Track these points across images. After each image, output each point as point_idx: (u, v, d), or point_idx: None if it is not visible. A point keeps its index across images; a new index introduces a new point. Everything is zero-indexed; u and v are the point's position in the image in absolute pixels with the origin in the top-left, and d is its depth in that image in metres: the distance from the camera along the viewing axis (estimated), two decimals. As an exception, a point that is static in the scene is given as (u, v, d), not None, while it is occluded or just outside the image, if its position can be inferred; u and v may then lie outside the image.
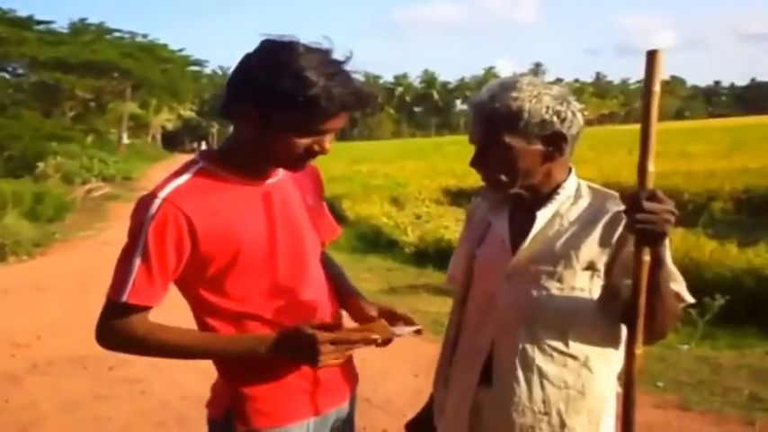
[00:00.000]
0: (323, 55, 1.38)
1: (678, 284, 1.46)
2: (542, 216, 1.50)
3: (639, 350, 1.36)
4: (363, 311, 1.64)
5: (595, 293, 1.47)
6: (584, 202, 1.52)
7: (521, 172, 1.47)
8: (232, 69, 1.44)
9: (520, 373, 1.49)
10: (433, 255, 9.32)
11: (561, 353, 1.48)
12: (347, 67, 1.40)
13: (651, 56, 1.31)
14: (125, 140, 40.53)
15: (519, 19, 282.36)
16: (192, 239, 1.39)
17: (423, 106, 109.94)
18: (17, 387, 4.58)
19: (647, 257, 1.31)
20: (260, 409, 1.50)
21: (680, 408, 3.76)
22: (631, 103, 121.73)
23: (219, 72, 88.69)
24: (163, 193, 1.39)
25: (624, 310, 1.39)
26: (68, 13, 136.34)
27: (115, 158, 30.49)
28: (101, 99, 41.23)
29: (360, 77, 1.42)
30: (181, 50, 46.60)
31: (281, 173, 1.53)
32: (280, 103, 1.35)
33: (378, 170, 23.51)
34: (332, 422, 1.61)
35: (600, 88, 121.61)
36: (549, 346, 1.48)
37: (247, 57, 1.41)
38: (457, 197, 15.37)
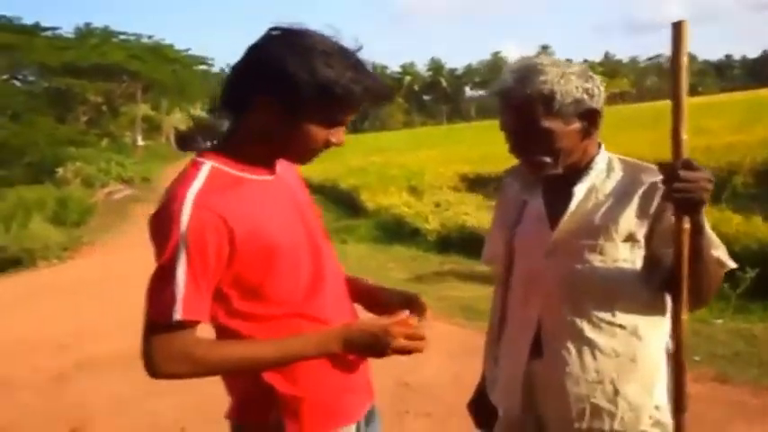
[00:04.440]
0: (340, 44, 1.34)
1: (718, 250, 1.50)
2: (579, 191, 1.54)
3: (685, 316, 1.42)
4: (392, 302, 1.57)
5: (638, 263, 1.52)
6: (618, 174, 1.57)
7: (563, 151, 1.51)
8: (249, 51, 1.36)
9: (570, 345, 1.54)
10: (456, 241, 9.39)
11: (609, 323, 1.53)
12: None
13: (677, 27, 1.36)
14: (140, 142, 40.81)
15: (526, 2, 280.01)
16: (230, 243, 1.30)
17: (432, 95, 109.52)
18: (65, 387, 4.70)
19: (686, 225, 1.37)
20: (314, 412, 1.43)
21: (717, 380, 3.81)
22: (642, 81, 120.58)
23: (227, 70, 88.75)
24: (190, 198, 1.28)
25: (668, 278, 1.44)
26: (70, 19, 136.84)
27: (132, 161, 30.76)
28: (112, 102, 41.56)
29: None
30: (187, 50, 46.78)
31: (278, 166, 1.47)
32: (311, 92, 1.29)
33: (392, 160, 23.53)
34: (369, 418, 1.58)
35: (609, 68, 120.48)
36: (597, 317, 1.53)
37: (266, 44, 1.34)
38: (474, 183, 15.39)
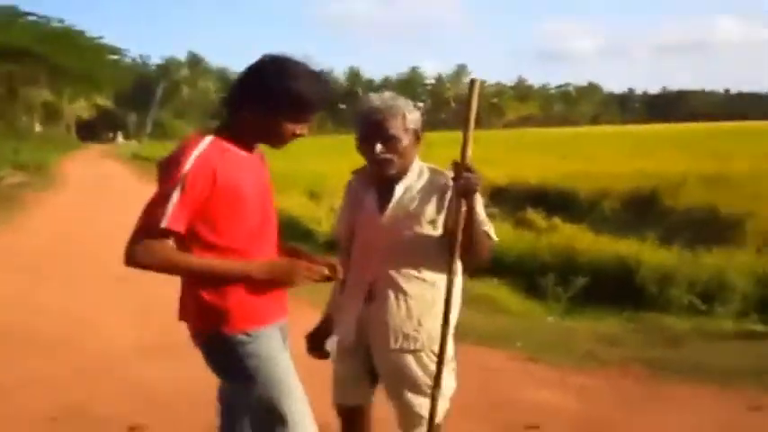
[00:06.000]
0: (312, 68, 2.00)
1: (487, 226, 2.23)
2: (399, 188, 2.24)
3: (457, 268, 2.17)
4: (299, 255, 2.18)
5: (437, 237, 2.21)
6: (425, 177, 2.26)
7: (403, 153, 2.19)
8: (245, 71, 1.99)
9: (391, 293, 2.24)
10: (344, 243, 9.97)
11: (417, 278, 2.24)
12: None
13: (472, 82, 2.10)
14: (38, 128, 39.20)
15: (445, 20, 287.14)
16: (212, 187, 1.89)
17: (347, 103, 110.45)
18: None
19: (464, 208, 2.09)
20: (252, 315, 2.00)
21: (528, 360, 4.58)
22: (550, 107, 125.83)
23: (140, 61, 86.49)
24: (195, 153, 1.89)
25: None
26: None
27: (28, 147, 29.64)
28: (12, 85, 39.76)
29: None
30: (99, 38, 45.33)
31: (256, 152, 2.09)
32: (285, 102, 1.94)
33: (299, 165, 23.96)
34: (283, 325, 2.17)
35: (520, 92, 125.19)
36: (409, 273, 2.24)
37: (259, 68, 1.98)
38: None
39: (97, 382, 4.19)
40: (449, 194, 2.20)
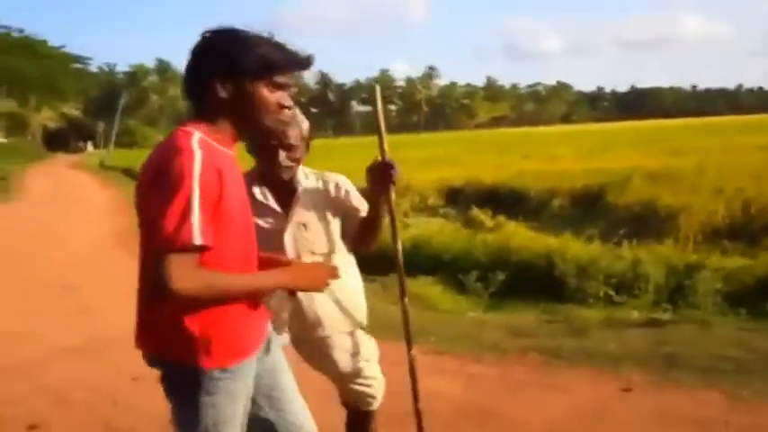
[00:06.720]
0: (260, 32, 1.76)
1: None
2: (300, 190, 2.50)
3: (399, 245, 2.57)
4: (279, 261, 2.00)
5: (338, 228, 2.57)
6: (313, 178, 2.58)
7: (300, 160, 2.51)
8: (193, 54, 1.72)
9: None
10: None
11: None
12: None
13: (372, 90, 2.55)
14: (1, 139, 38.74)
15: (413, 22, 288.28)
16: (220, 193, 1.62)
17: (319, 108, 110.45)
18: None
19: (393, 195, 2.45)
20: (235, 347, 1.73)
21: (438, 353, 4.82)
22: (521, 107, 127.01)
23: (106, 69, 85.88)
24: (198, 153, 1.60)
25: (355, 233, 2.56)
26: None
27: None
28: (-27, 96, 39.25)
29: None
30: (62, 47, 44.90)
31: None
32: (250, 64, 1.68)
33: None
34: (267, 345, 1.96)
35: (491, 92, 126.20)
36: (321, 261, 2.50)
37: (207, 40, 1.73)
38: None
39: (8, 385, 4.37)
40: (342, 192, 2.55)
